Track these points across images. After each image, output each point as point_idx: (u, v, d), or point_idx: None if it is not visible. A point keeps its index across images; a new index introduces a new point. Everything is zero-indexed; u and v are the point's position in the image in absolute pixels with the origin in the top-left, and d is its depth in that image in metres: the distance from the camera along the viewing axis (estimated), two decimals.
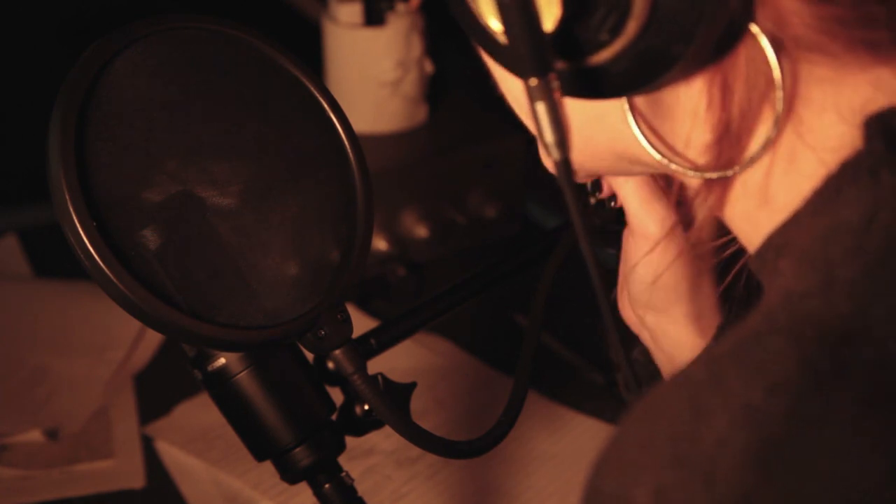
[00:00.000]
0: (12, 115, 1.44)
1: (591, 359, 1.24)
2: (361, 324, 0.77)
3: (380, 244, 1.38)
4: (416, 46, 1.41)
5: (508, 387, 0.79)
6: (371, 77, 1.40)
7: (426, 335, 1.28)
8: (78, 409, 1.19)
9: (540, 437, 1.16)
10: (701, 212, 0.58)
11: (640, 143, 0.57)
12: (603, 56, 0.52)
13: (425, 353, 1.26)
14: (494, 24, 0.53)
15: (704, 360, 0.50)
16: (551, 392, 1.21)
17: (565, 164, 0.52)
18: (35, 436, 1.15)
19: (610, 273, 0.77)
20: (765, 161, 0.54)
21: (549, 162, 0.61)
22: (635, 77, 0.53)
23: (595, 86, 0.54)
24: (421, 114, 1.46)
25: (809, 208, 0.53)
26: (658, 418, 0.48)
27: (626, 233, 0.73)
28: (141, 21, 0.70)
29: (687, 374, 0.50)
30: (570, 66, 0.53)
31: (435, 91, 1.47)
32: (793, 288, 0.50)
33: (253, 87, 0.73)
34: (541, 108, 0.51)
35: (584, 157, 0.61)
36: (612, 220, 0.76)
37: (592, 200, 0.84)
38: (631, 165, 0.60)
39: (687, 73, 0.53)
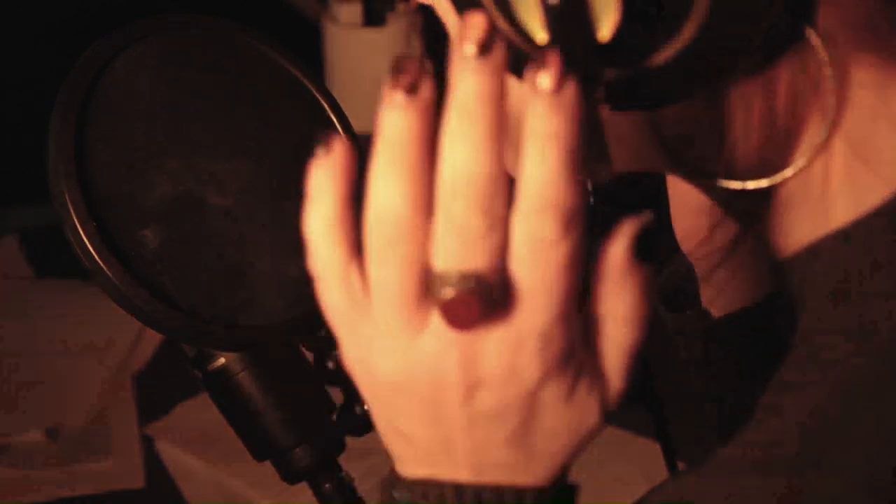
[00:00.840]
0: (12, 115, 1.44)
1: None
2: None
3: None
4: (416, 46, 1.41)
5: None
6: (371, 77, 1.40)
7: None
8: (78, 409, 1.19)
9: None
10: (738, 223, 0.54)
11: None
12: (657, 60, 0.48)
13: None
14: (538, 34, 0.47)
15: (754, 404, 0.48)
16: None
17: (611, 179, 0.49)
18: (35, 436, 1.15)
19: None
20: (818, 170, 0.51)
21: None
22: (691, 80, 0.49)
23: (646, 91, 0.50)
24: None
25: (882, 235, 0.50)
26: None
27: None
28: (141, 21, 0.70)
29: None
30: (622, 70, 0.49)
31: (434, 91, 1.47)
32: (863, 326, 0.47)
33: (253, 87, 0.73)
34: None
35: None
36: (611, 220, 0.75)
37: (592, 200, 0.84)
38: (650, 163, 0.56)
39: (744, 73, 0.49)
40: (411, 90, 0.45)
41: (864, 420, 0.47)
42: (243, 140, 0.72)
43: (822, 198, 0.51)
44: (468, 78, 0.45)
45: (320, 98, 0.74)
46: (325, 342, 0.73)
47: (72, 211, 0.65)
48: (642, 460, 1.11)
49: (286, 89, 0.73)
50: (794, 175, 0.51)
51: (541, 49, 0.45)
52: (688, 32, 0.47)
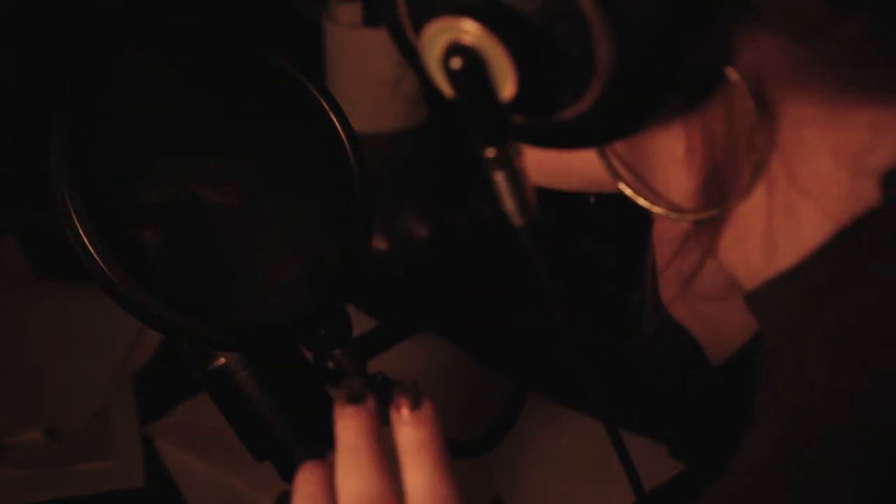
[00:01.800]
0: (12, 115, 1.44)
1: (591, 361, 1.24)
2: (361, 324, 0.77)
3: (380, 244, 1.38)
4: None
5: (508, 387, 0.79)
6: (371, 77, 1.40)
7: (426, 335, 1.28)
8: (78, 409, 1.19)
9: (540, 437, 1.16)
10: (693, 255, 0.54)
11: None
12: (568, 115, 0.49)
13: (425, 353, 1.26)
14: (446, 90, 0.50)
15: (746, 472, 0.48)
16: (551, 392, 1.21)
17: (529, 231, 0.50)
18: (35, 436, 1.15)
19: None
20: (761, 205, 0.51)
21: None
22: (603, 132, 0.50)
23: (563, 139, 0.51)
24: (421, 114, 1.46)
25: (825, 271, 0.50)
26: None
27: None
28: (141, 21, 0.70)
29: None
30: (533, 122, 0.50)
31: (435, 91, 1.47)
32: (834, 386, 0.47)
33: (253, 87, 0.73)
34: (500, 177, 0.49)
35: (555, 180, 0.58)
36: (611, 220, 0.76)
37: (592, 199, 0.84)
38: (601, 188, 0.57)
39: (663, 120, 0.50)
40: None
41: (809, 465, 0.47)
42: (243, 140, 0.72)
43: (766, 233, 0.52)
44: (347, 423, 0.56)
45: (320, 98, 0.74)
46: (325, 342, 0.73)
47: (72, 211, 0.65)
48: (642, 460, 1.11)
49: (286, 89, 0.73)
50: (734, 209, 0.51)
51: (396, 390, 0.56)
52: (595, 90, 0.47)
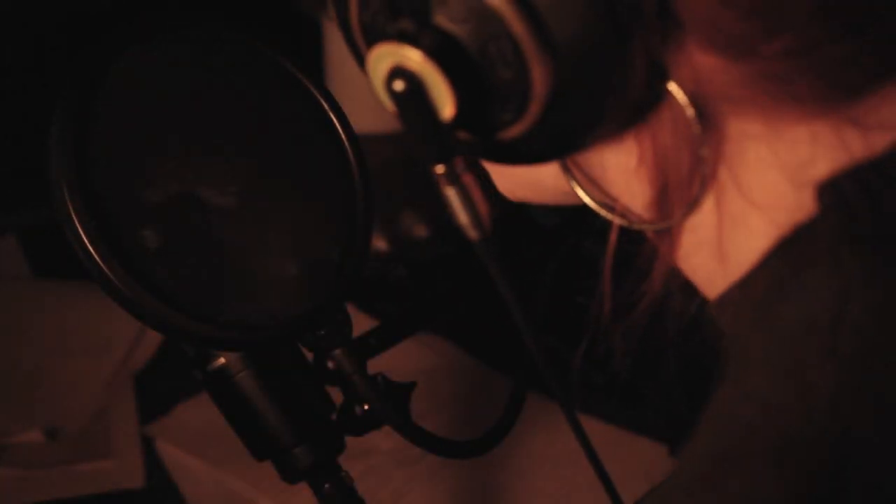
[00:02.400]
0: (12, 114, 1.44)
1: (591, 359, 1.24)
2: (361, 324, 0.77)
3: (380, 244, 1.38)
4: None
5: (508, 387, 0.79)
6: None
7: (426, 335, 1.28)
8: (78, 409, 1.19)
9: (540, 437, 1.16)
10: (655, 262, 0.56)
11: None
12: (511, 133, 0.51)
13: (425, 353, 1.26)
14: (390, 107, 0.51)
15: (680, 483, 0.48)
16: (551, 392, 1.21)
17: (484, 244, 0.52)
18: (35, 436, 1.15)
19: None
20: (711, 215, 0.52)
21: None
22: (548, 149, 0.52)
23: (512, 155, 0.53)
24: None
25: (763, 282, 0.51)
26: None
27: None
28: (141, 21, 0.70)
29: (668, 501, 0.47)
30: (481, 140, 0.52)
31: None
32: (769, 398, 0.48)
33: (253, 87, 0.73)
34: (451, 192, 0.51)
35: (533, 194, 0.60)
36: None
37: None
38: (575, 200, 0.58)
39: (609, 136, 0.51)
40: None
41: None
42: (243, 140, 0.72)
43: (717, 242, 0.53)
44: None
45: (320, 98, 0.74)
46: (325, 342, 0.73)
47: (72, 211, 0.65)
48: (642, 460, 1.11)
49: (286, 89, 0.73)
50: (687, 220, 0.53)
51: None
52: (534, 110, 0.49)
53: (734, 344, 0.51)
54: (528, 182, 0.59)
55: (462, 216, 0.52)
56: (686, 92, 0.49)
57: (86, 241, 0.66)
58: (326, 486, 0.75)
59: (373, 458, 1.12)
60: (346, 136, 0.74)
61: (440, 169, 0.51)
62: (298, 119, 0.73)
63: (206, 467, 1.14)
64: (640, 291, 0.59)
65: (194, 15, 0.72)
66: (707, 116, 0.50)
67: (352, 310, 0.74)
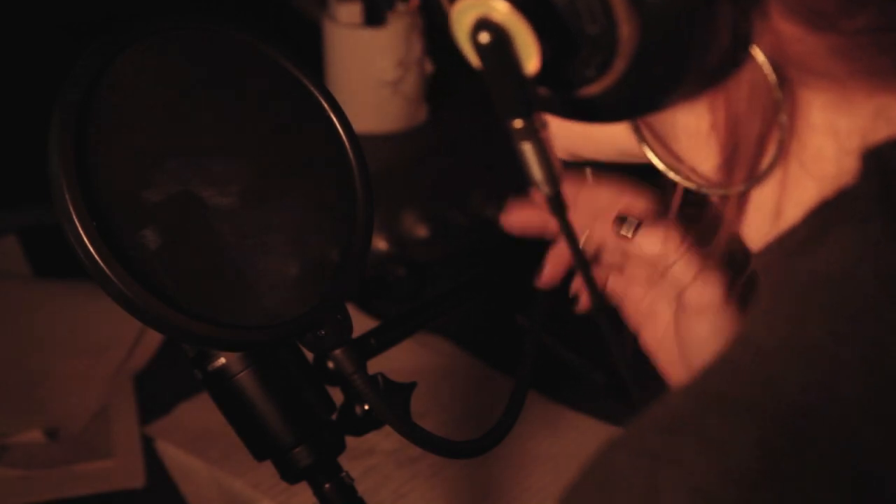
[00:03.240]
0: (13, 114, 1.44)
1: (591, 359, 1.24)
2: (361, 324, 0.77)
3: (380, 244, 1.38)
4: (416, 46, 1.41)
5: (508, 387, 0.79)
6: (371, 77, 1.40)
7: (426, 335, 1.28)
8: (78, 409, 1.19)
9: (540, 437, 1.16)
10: (719, 227, 0.57)
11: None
12: (592, 90, 0.51)
13: (425, 353, 1.26)
14: (474, 62, 0.51)
15: (663, 421, 0.48)
16: (551, 392, 1.21)
17: (556, 199, 0.52)
18: (35, 436, 1.15)
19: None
20: (775, 180, 0.53)
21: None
22: (628, 107, 0.52)
23: (589, 112, 0.53)
24: (421, 114, 1.46)
25: (797, 238, 0.52)
26: (615, 492, 0.46)
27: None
28: (141, 21, 0.70)
29: (643, 439, 0.47)
30: (561, 95, 0.53)
31: (435, 91, 1.47)
32: (763, 344, 0.48)
33: (253, 87, 0.73)
34: (527, 147, 0.51)
35: (591, 152, 0.61)
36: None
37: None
38: (633, 159, 0.59)
39: (687, 97, 0.52)
40: None
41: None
42: (243, 140, 0.72)
43: (776, 205, 0.54)
44: None
45: (320, 98, 0.74)
46: (326, 342, 0.73)
47: (72, 211, 0.65)
48: None
49: (286, 89, 0.73)
50: (753, 188, 0.54)
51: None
52: (618, 68, 0.50)
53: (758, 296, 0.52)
54: (590, 139, 0.59)
55: (537, 172, 0.52)
56: (768, 57, 0.50)
57: (86, 241, 0.65)
58: (326, 486, 0.75)
59: (373, 458, 1.13)
60: (346, 136, 0.74)
61: (518, 123, 0.50)
62: (298, 119, 0.73)
63: (206, 467, 1.13)
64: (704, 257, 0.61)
65: (194, 15, 0.72)
66: (784, 84, 0.51)
67: (352, 310, 0.74)
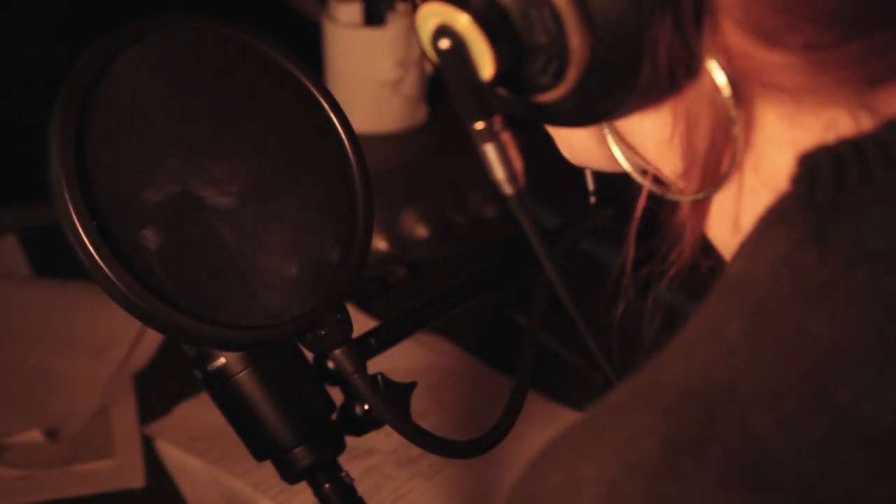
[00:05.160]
0: (13, 114, 1.44)
1: (590, 359, 1.24)
2: (361, 324, 0.77)
3: (380, 244, 1.38)
4: (416, 46, 1.41)
5: (508, 387, 0.79)
6: (371, 77, 1.40)
7: (426, 335, 1.28)
8: (78, 409, 1.19)
9: (540, 437, 1.16)
10: (684, 231, 0.58)
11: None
12: (551, 96, 0.54)
13: (425, 353, 1.26)
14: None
15: (593, 417, 0.50)
16: (551, 392, 1.21)
17: (518, 199, 0.54)
18: (35, 436, 1.15)
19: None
20: (733, 190, 0.55)
21: (567, 151, 0.63)
22: (583, 114, 0.55)
23: (550, 117, 0.56)
24: (421, 114, 1.46)
25: (745, 243, 0.53)
26: (539, 483, 0.48)
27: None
28: (141, 21, 0.70)
29: (574, 434, 0.49)
30: (523, 100, 0.55)
31: (435, 91, 1.47)
32: (689, 345, 0.50)
33: (253, 87, 0.73)
34: (489, 148, 0.53)
35: (587, 159, 0.62)
36: (611, 221, 0.76)
37: (592, 199, 0.84)
38: (621, 169, 0.61)
39: (646, 106, 0.54)
40: None
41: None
42: (243, 140, 0.72)
43: (735, 215, 0.55)
44: None
45: (320, 98, 0.74)
46: (326, 342, 0.73)
47: (72, 211, 0.65)
48: None
49: (286, 89, 0.73)
50: (712, 196, 0.55)
51: None
52: (571, 76, 0.52)
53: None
54: (581, 147, 0.61)
55: (498, 171, 0.54)
56: (723, 70, 0.51)
57: (86, 241, 0.65)
58: (326, 486, 0.75)
59: (373, 458, 1.13)
60: (346, 136, 0.74)
61: (479, 125, 0.53)
62: (298, 119, 0.73)
63: (206, 467, 1.13)
64: (670, 260, 0.61)
65: (194, 15, 0.72)
66: (739, 97, 0.52)
67: (352, 310, 0.74)
